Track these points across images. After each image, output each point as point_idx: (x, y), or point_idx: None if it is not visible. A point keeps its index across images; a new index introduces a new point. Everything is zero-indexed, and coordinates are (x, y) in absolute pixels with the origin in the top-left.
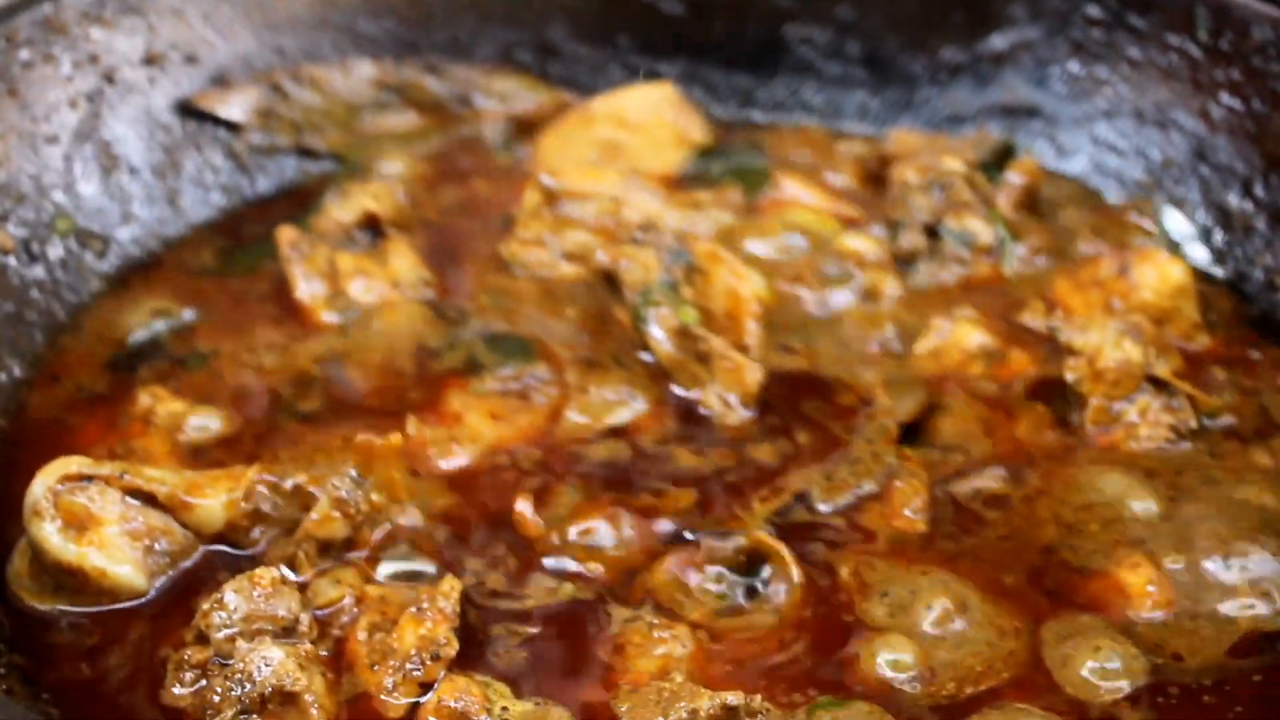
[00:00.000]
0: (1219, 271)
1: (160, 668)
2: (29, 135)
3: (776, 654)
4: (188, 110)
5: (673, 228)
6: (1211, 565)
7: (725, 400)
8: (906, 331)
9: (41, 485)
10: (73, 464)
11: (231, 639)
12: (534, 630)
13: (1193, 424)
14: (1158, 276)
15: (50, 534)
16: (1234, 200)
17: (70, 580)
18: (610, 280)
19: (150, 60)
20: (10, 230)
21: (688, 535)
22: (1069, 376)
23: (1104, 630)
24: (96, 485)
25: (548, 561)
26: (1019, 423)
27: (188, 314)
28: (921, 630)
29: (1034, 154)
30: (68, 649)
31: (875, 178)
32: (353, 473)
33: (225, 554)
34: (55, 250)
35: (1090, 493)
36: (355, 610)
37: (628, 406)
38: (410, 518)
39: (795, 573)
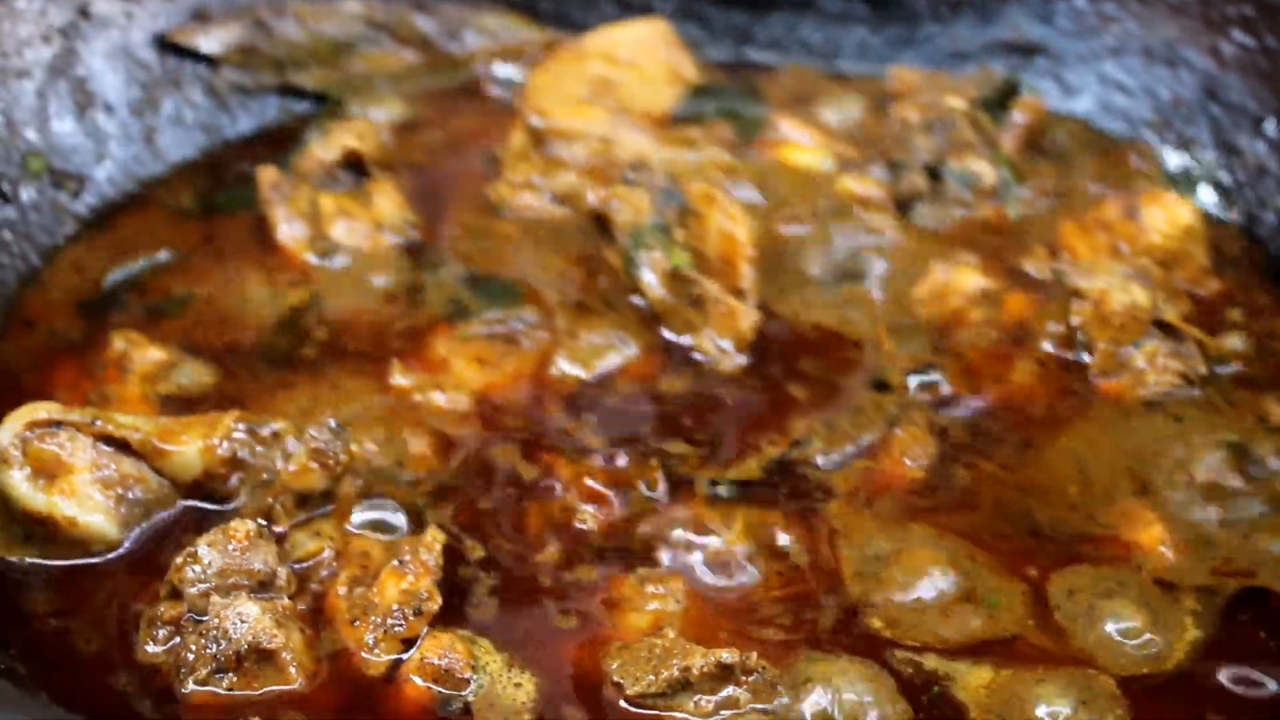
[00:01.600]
0: (1229, 214)
1: (133, 624)
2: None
3: (772, 609)
4: (166, 46)
5: (665, 167)
6: (1224, 526)
7: (719, 345)
8: (906, 276)
9: (9, 432)
10: (41, 410)
11: (206, 594)
12: (524, 583)
13: (1202, 370)
14: (1166, 219)
15: (18, 482)
16: (1245, 140)
17: (40, 530)
18: (601, 222)
19: None
20: None
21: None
22: (1074, 320)
23: (1118, 585)
24: (67, 432)
25: (543, 513)
26: (1021, 370)
27: (164, 256)
28: (920, 584)
29: (1039, 93)
30: (38, 605)
31: (876, 117)
32: (331, 423)
33: (201, 509)
34: (28, 190)
35: (1098, 444)
36: (335, 563)
37: (618, 351)
38: (393, 468)
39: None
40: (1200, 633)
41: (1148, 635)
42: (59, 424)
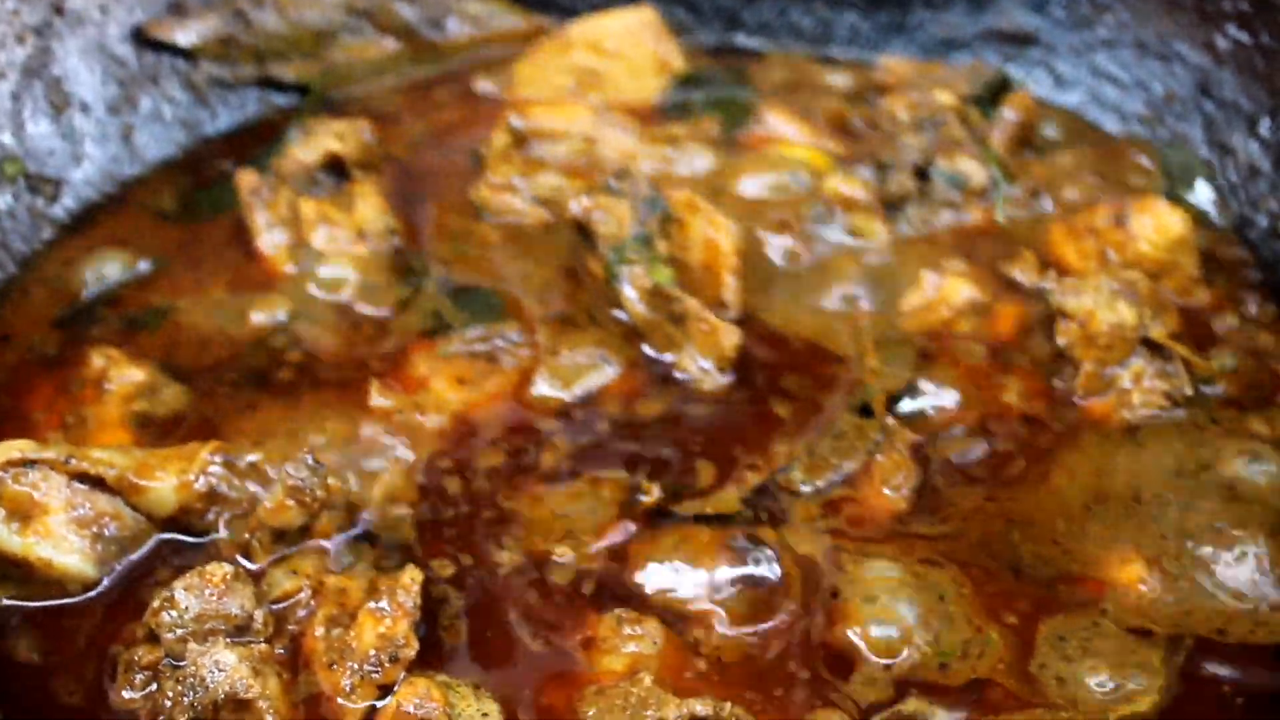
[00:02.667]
0: (1221, 216)
1: (111, 667)
2: None
3: (747, 647)
4: (143, 40)
5: (649, 171)
6: (1205, 563)
7: (701, 365)
8: (894, 284)
9: None
10: (15, 449)
11: (183, 639)
12: (501, 618)
13: (1188, 390)
14: (1155, 228)
15: None
16: (1238, 139)
17: (16, 570)
18: (584, 230)
19: None
20: None
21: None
22: (1060, 341)
23: (1093, 629)
24: (40, 471)
25: (520, 543)
26: (1007, 389)
27: (144, 265)
28: (898, 626)
29: (1031, 84)
30: (18, 649)
31: (865, 109)
32: (309, 459)
33: (179, 541)
34: (3, 197)
35: (1083, 472)
36: (312, 602)
37: (599, 371)
38: (370, 496)
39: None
40: (1166, 682)
41: (1118, 683)
42: (33, 463)
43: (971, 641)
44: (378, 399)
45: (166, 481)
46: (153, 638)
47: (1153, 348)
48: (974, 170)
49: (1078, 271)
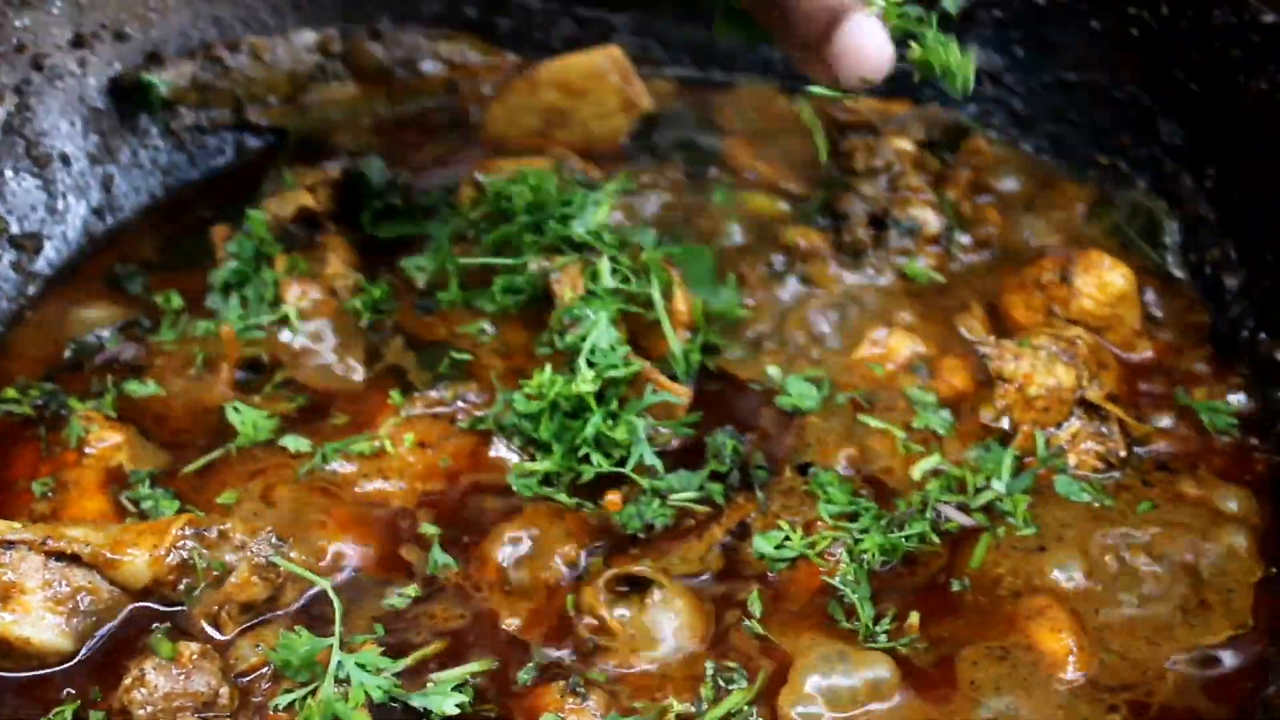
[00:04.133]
0: (1169, 266)
1: None
2: None
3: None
4: (121, 90)
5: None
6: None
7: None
8: (846, 334)
9: None
10: None
11: (154, 716)
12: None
13: (1122, 453)
14: (1098, 285)
15: None
16: (1186, 188)
17: None
18: (544, 288)
19: (79, 42)
20: None
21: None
22: (998, 404)
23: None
24: (19, 550)
25: (473, 610)
26: (946, 448)
27: (123, 321)
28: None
29: (989, 122)
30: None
31: (826, 151)
32: (271, 537)
33: (152, 609)
34: None
35: (1015, 542)
36: (277, 675)
37: None
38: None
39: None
40: None
41: None
42: (11, 544)
43: None
44: (341, 464)
45: (140, 556)
46: (126, 713)
47: (1090, 409)
48: (928, 218)
49: (1024, 326)
